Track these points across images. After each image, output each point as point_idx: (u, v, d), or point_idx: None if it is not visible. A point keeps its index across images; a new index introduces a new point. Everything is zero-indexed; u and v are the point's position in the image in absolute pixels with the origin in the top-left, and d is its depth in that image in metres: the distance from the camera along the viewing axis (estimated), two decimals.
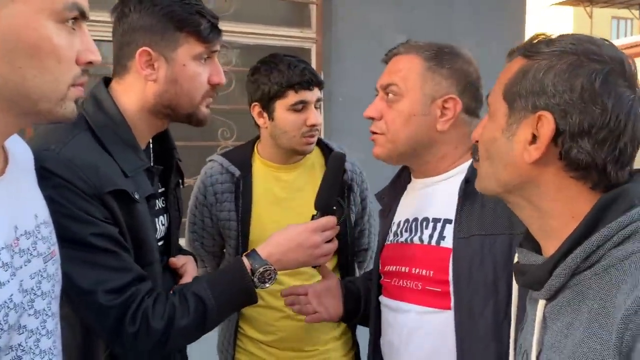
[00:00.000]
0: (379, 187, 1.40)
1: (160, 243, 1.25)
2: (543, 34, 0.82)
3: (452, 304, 1.14)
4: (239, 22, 2.97)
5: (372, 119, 1.25)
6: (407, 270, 1.23)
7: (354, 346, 1.72)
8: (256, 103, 1.59)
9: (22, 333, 0.76)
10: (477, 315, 1.12)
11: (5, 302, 0.71)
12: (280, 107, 1.55)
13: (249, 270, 1.17)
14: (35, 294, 0.79)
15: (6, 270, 0.72)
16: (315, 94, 1.57)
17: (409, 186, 1.33)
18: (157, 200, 1.24)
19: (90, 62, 0.80)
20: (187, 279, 1.25)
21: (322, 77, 3.07)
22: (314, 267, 1.37)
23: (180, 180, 1.38)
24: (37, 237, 0.81)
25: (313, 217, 1.28)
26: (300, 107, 1.55)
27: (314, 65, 3.13)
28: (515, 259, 0.88)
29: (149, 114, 1.16)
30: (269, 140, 1.62)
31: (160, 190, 1.27)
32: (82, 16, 0.78)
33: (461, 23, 3.30)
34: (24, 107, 0.75)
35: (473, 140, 0.91)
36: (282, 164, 1.64)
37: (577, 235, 0.74)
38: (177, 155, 1.32)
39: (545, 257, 0.81)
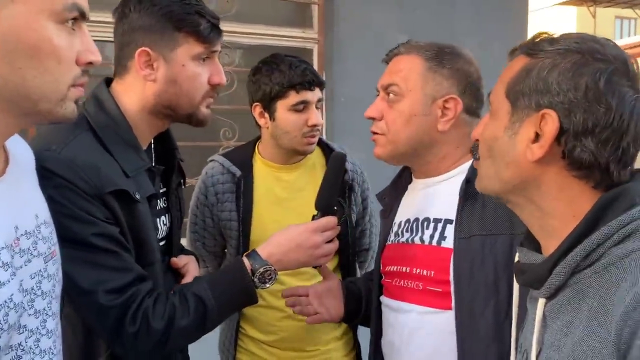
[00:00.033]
0: (380, 187, 1.40)
1: (162, 243, 1.25)
2: (545, 33, 0.82)
3: (453, 304, 1.14)
4: (240, 22, 2.98)
5: (373, 119, 1.25)
6: (408, 271, 1.23)
7: (355, 346, 1.72)
8: (257, 103, 1.60)
9: (22, 333, 0.76)
10: (478, 315, 1.11)
11: (6, 301, 0.71)
12: (282, 107, 1.55)
13: (249, 271, 1.17)
14: (35, 294, 0.79)
15: (6, 270, 0.72)
16: (316, 94, 1.57)
17: (410, 186, 1.33)
18: (158, 201, 1.24)
19: (90, 63, 0.80)
20: (188, 279, 1.25)
21: (324, 77, 3.09)
22: (315, 267, 1.37)
23: (182, 181, 1.38)
24: (37, 237, 0.82)
25: (314, 218, 1.27)
26: (301, 107, 1.55)
27: (315, 65, 3.13)
28: (516, 259, 0.88)
29: (149, 114, 1.16)
30: (270, 141, 1.62)
31: (162, 191, 1.27)
32: (82, 17, 0.78)
33: (463, 23, 3.30)
34: (24, 107, 0.75)
35: (473, 139, 0.91)
36: (283, 164, 1.64)
37: (578, 233, 0.74)
38: (179, 155, 1.32)
39: (545, 256, 0.80)
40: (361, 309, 1.44)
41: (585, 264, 0.73)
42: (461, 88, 1.21)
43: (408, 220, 1.27)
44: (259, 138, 1.69)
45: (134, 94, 1.15)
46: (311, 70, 1.57)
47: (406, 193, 1.33)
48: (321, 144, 1.69)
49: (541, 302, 0.79)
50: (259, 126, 1.64)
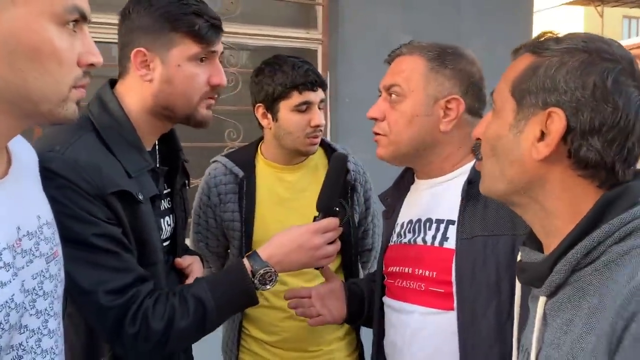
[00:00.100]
0: (384, 188, 1.40)
1: (166, 243, 1.26)
2: (550, 32, 0.82)
3: (455, 304, 1.14)
4: (245, 23, 2.98)
5: (375, 119, 1.25)
6: (410, 271, 1.23)
7: (358, 346, 1.72)
8: (260, 104, 1.60)
9: (23, 333, 0.77)
10: (479, 316, 1.11)
11: (7, 302, 0.71)
12: (284, 107, 1.56)
13: (249, 272, 1.16)
14: (37, 294, 0.80)
15: (7, 271, 0.73)
16: (318, 94, 1.57)
17: (413, 187, 1.33)
18: (162, 201, 1.25)
19: (91, 64, 0.80)
20: (192, 279, 1.25)
21: (328, 78, 3.10)
22: (317, 268, 1.36)
23: (187, 181, 1.38)
24: (39, 237, 0.82)
25: (315, 219, 1.27)
26: (304, 107, 1.55)
27: (320, 66, 3.14)
28: (519, 258, 0.88)
29: (150, 115, 1.17)
30: (273, 141, 1.62)
31: (166, 191, 1.28)
32: (83, 18, 0.78)
33: (468, 24, 3.29)
34: (26, 109, 0.75)
35: (474, 138, 0.90)
36: (286, 165, 1.64)
37: (578, 231, 0.74)
38: (183, 156, 1.32)
39: (547, 254, 0.80)
40: (364, 310, 1.44)
41: (586, 261, 0.73)
42: (463, 88, 1.21)
43: (410, 221, 1.27)
44: (261, 139, 1.69)
45: (134, 94, 1.16)
46: (313, 70, 1.57)
47: (409, 194, 1.33)
48: (324, 144, 1.69)
49: (542, 300, 0.79)
50: (262, 127, 1.64)
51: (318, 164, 1.68)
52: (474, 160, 1.14)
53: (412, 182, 1.33)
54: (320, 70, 3.12)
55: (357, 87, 2.96)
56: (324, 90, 1.61)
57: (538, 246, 0.85)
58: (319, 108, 1.59)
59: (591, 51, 0.74)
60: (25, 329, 0.77)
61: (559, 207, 0.78)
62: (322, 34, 3.15)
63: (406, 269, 1.24)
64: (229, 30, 2.88)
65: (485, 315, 1.11)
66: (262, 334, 1.64)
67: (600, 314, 0.68)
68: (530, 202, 0.81)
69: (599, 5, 14.99)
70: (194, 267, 1.32)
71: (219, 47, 1.18)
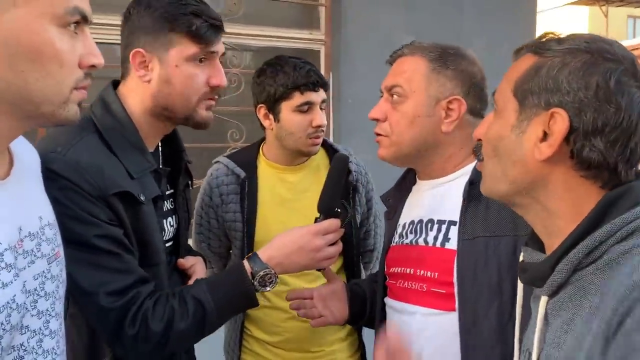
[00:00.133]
0: (387, 188, 1.40)
1: (168, 244, 1.26)
2: (551, 33, 0.81)
3: (456, 305, 1.14)
4: (248, 24, 2.99)
5: (377, 120, 1.25)
6: (412, 272, 1.23)
7: (360, 347, 1.72)
8: (262, 105, 1.60)
9: (25, 333, 0.77)
10: (481, 316, 1.11)
11: (8, 302, 0.72)
12: (286, 108, 1.56)
13: (249, 274, 1.16)
14: (38, 295, 0.80)
15: (9, 272, 0.73)
16: (320, 95, 1.57)
17: (414, 188, 1.33)
18: (165, 202, 1.25)
19: (93, 66, 0.80)
20: (195, 280, 1.25)
21: (331, 78, 3.10)
22: (318, 270, 1.36)
23: (190, 182, 1.38)
24: (41, 238, 0.82)
25: (316, 220, 1.26)
26: (305, 108, 1.55)
27: (323, 67, 3.14)
28: (521, 258, 0.87)
29: (151, 116, 1.17)
30: (275, 142, 1.62)
31: (169, 192, 1.28)
32: (84, 20, 0.78)
33: (470, 24, 3.29)
34: (27, 110, 0.76)
35: (475, 139, 0.90)
36: (288, 165, 1.64)
37: (580, 231, 0.74)
38: (186, 157, 1.32)
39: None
40: (366, 311, 1.44)
41: (588, 261, 0.73)
42: (465, 89, 1.20)
43: (412, 222, 1.27)
44: (263, 140, 1.70)
45: (135, 95, 1.16)
46: (315, 71, 1.57)
47: (410, 194, 1.33)
48: (325, 145, 1.69)
49: (543, 300, 0.78)
50: (264, 128, 1.65)
51: (320, 164, 1.68)
52: (476, 161, 1.14)
53: (414, 182, 1.33)
54: (323, 71, 3.13)
55: (360, 88, 2.96)
56: (326, 90, 1.61)
57: (540, 247, 0.85)
58: (321, 108, 1.59)
59: (593, 52, 0.74)
60: (26, 330, 0.77)
61: (561, 208, 0.78)
62: (325, 35, 3.15)
63: (408, 270, 1.24)
64: (231, 31, 2.90)
65: (486, 316, 1.10)
66: (264, 335, 1.64)
67: (601, 313, 0.68)
68: (532, 202, 0.81)
69: (603, 5, 14.94)
70: (197, 268, 1.31)
71: (219, 48, 1.17)
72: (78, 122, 0.83)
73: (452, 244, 1.16)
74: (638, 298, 0.64)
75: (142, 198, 1.10)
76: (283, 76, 1.53)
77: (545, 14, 15.13)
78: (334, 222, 1.24)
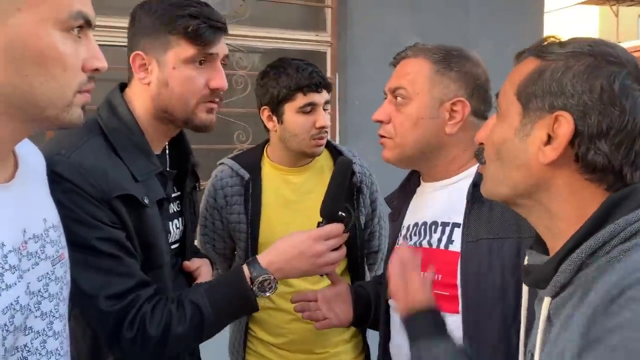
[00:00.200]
0: (393, 190, 1.40)
1: (174, 246, 1.26)
2: (553, 36, 0.82)
3: (460, 307, 1.14)
4: (254, 26, 3.00)
5: (381, 122, 1.25)
6: None
7: (364, 349, 1.72)
8: (265, 107, 1.61)
9: (28, 334, 0.78)
10: (485, 319, 1.10)
11: (12, 304, 0.72)
12: (289, 110, 1.56)
13: (248, 279, 1.14)
14: (42, 296, 0.81)
15: (13, 273, 0.74)
16: (323, 96, 1.58)
17: (419, 190, 1.32)
18: (171, 204, 1.25)
19: (96, 69, 0.81)
20: (200, 282, 1.25)
21: (337, 80, 3.10)
22: (321, 275, 1.34)
23: (197, 184, 1.38)
24: (45, 240, 0.83)
25: (319, 225, 1.24)
26: (308, 109, 1.55)
27: (329, 68, 3.14)
28: (525, 261, 0.87)
29: (154, 119, 1.17)
30: (279, 144, 1.63)
31: (175, 194, 1.28)
32: (87, 24, 0.79)
33: (477, 25, 3.28)
34: (32, 113, 0.77)
35: (477, 143, 0.90)
36: (292, 167, 1.65)
37: (584, 232, 0.73)
38: (193, 160, 1.32)
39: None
40: (370, 314, 1.44)
41: (591, 261, 0.73)
42: (469, 91, 1.20)
43: (416, 224, 1.27)
44: (267, 141, 1.70)
45: (138, 98, 1.16)
46: (318, 72, 1.57)
47: (415, 196, 1.33)
48: (329, 146, 1.69)
49: (546, 301, 0.78)
50: (268, 130, 1.65)
51: (324, 165, 1.68)
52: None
53: (418, 184, 1.33)
54: (329, 72, 3.13)
55: (366, 89, 2.96)
56: (329, 91, 1.61)
57: (544, 250, 0.84)
58: (324, 109, 1.59)
59: (597, 55, 0.74)
60: (30, 331, 0.78)
61: (564, 210, 0.77)
62: (331, 37, 3.15)
63: None
64: (238, 33, 2.91)
65: (490, 318, 1.10)
66: (268, 336, 1.65)
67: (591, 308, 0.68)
68: (535, 204, 0.80)
69: (614, 5, 14.81)
70: (203, 270, 1.31)
71: (219, 50, 1.15)
72: (83, 124, 0.83)
73: (456, 246, 1.16)
74: (615, 296, 0.65)
75: (146, 201, 1.10)
76: (286, 78, 1.54)
77: (555, 14, 15.03)
78: (336, 227, 1.22)
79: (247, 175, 1.62)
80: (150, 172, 1.14)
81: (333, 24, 3.15)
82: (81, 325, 1.10)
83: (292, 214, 1.60)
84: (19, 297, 0.74)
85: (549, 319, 0.78)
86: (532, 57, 0.80)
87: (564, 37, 0.80)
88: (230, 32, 1.23)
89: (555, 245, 0.80)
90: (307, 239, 1.19)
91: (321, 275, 1.35)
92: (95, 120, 1.13)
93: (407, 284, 1.05)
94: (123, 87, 1.20)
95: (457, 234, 1.17)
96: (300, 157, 1.63)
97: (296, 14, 3.17)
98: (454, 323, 1.14)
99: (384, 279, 1.36)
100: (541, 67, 0.77)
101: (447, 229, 1.20)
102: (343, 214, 1.24)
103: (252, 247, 1.60)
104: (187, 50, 1.12)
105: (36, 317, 0.79)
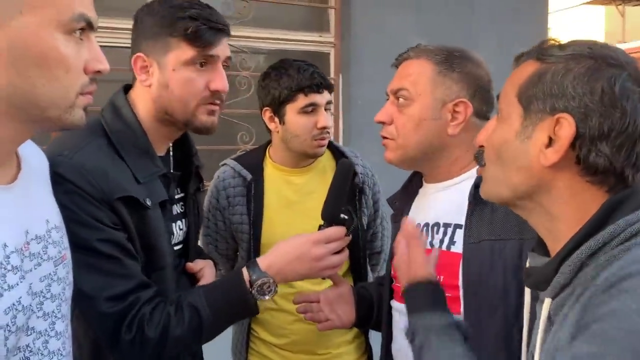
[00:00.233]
0: (395, 191, 1.39)
1: (177, 247, 1.26)
2: (552, 39, 0.82)
3: (461, 309, 1.13)
4: (258, 27, 3.00)
5: (383, 123, 1.25)
6: None
7: (367, 350, 1.72)
8: (267, 108, 1.61)
9: (30, 334, 0.78)
10: (486, 320, 1.10)
11: (14, 304, 0.73)
12: (291, 110, 1.57)
13: (247, 282, 1.13)
14: (44, 297, 0.81)
15: (15, 274, 0.74)
16: (324, 96, 1.58)
17: (421, 191, 1.32)
18: (175, 206, 1.25)
19: (98, 71, 0.82)
20: (203, 283, 1.25)
21: (340, 80, 3.10)
22: (323, 278, 1.33)
23: (201, 185, 1.38)
24: (47, 241, 0.84)
25: (320, 228, 1.22)
26: (310, 109, 1.56)
27: (332, 69, 3.14)
28: (527, 264, 0.87)
29: (155, 121, 1.17)
30: (281, 144, 1.63)
31: (179, 196, 1.28)
32: (89, 27, 0.80)
33: (481, 25, 3.27)
34: (34, 114, 0.77)
35: (477, 145, 0.90)
36: (294, 168, 1.65)
37: (584, 233, 0.74)
38: (197, 162, 1.31)
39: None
40: (373, 315, 1.44)
41: (591, 262, 0.73)
42: (471, 92, 1.20)
43: (418, 225, 1.27)
44: (269, 142, 1.70)
45: (141, 100, 1.17)
46: (319, 73, 1.57)
47: (417, 197, 1.33)
48: (331, 147, 1.69)
49: (547, 302, 0.78)
50: (270, 131, 1.66)
51: (326, 166, 1.68)
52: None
53: (420, 185, 1.33)
54: (332, 73, 3.13)
55: (369, 90, 2.96)
56: (330, 92, 1.61)
57: (546, 252, 0.85)
58: (326, 110, 1.59)
59: (597, 57, 0.74)
60: (32, 331, 0.79)
61: (565, 212, 0.78)
62: (335, 37, 3.16)
63: None
64: (241, 34, 2.91)
65: (492, 320, 1.10)
66: (270, 337, 1.65)
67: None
68: (535, 206, 0.81)
69: (620, 4, 14.75)
70: (206, 271, 1.31)
71: (220, 52, 1.15)
72: (86, 126, 0.84)
73: (458, 247, 1.16)
74: (600, 291, 0.66)
75: (148, 202, 1.10)
76: (287, 79, 1.54)
77: (561, 14, 14.97)
78: (337, 230, 1.20)
79: (249, 176, 1.62)
80: (153, 174, 1.14)
81: (336, 25, 3.15)
82: (83, 325, 1.10)
83: (294, 214, 1.61)
84: (21, 297, 0.74)
85: (549, 319, 0.79)
86: (532, 60, 0.80)
87: (564, 40, 0.81)
88: (233, 33, 1.23)
89: (555, 247, 0.80)
90: (307, 242, 1.17)
91: (323, 278, 1.34)
92: (99, 122, 1.14)
93: (410, 259, 1.05)
94: (127, 88, 1.20)
95: (459, 235, 1.17)
96: (303, 158, 1.64)
97: (300, 15, 3.18)
98: None
99: (386, 278, 1.36)
100: (541, 70, 0.77)
101: (449, 230, 1.19)
102: (344, 217, 1.23)
103: (255, 248, 1.60)
104: (187, 52, 1.12)
105: (38, 317, 0.80)
